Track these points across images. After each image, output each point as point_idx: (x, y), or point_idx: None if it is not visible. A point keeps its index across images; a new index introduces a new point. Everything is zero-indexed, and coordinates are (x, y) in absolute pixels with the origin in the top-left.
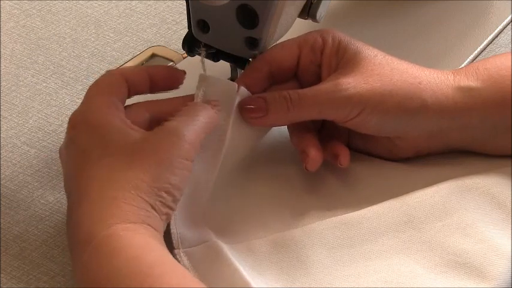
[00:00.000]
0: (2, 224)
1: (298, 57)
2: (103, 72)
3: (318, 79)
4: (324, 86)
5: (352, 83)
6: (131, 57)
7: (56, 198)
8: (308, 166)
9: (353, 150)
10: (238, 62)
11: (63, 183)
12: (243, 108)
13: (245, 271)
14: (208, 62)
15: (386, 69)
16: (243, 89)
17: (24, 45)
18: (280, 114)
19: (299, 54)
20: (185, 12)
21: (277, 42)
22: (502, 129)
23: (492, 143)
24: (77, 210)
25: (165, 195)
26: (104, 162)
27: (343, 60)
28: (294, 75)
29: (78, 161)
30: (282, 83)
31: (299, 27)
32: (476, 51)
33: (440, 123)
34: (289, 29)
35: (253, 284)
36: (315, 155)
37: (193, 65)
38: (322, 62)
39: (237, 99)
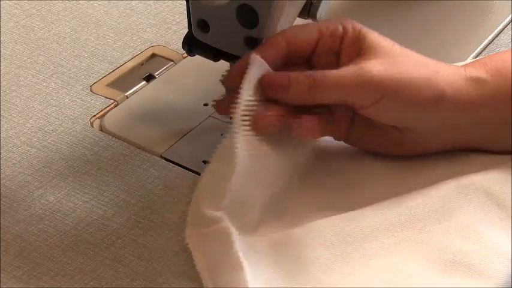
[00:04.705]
0: (2, 224)
1: (317, 42)
2: (103, 72)
3: (332, 67)
4: (347, 68)
5: (375, 67)
6: (131, 57)
7: (56, 198)
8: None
9: (361, 144)
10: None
11: (63, 182)
12: (265, 83)
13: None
14: (208, 62)
15: (405, 58)
16: (259, 59)
17: (24, 45)
18: (302, 92)
19: (318, 39)
20: (185, 12)
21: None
22: (510, 125)
23: (501, 139)
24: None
25: None
26: None
27: (363, 50)
28: (307, 59)
29: None
30: (294, 66)
31: None
32: (476, 51)
33: (455, 115)
34: None
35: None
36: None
37: (193, 65)
38: (342, 50)
39: (253, 70)
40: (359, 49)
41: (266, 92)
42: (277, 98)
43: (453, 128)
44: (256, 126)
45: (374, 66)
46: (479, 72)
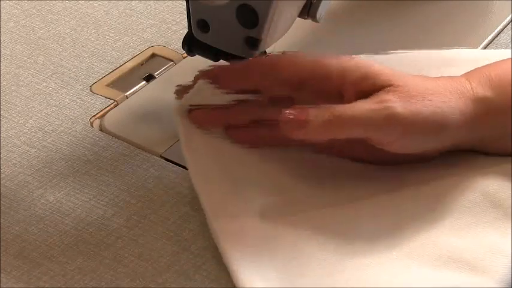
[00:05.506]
0: (2, 224)
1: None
2: (103, 72)
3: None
4: (367, 104)
5: (396, 103)
6: (131, 57)
7: (56, 198)
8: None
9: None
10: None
11: (63, 182)
12: (283, 120)
13: None
14: (208, 62)
15: (421, 88)
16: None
17: (24, 45)
18: (320, 126)
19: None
20: (185, 12)
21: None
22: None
23: (500, 143)
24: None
25: None
26: None
27: (375, 85)
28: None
29: None
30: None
31: (299, 27)
32: None
33: (464, 135)
34: (289, 29)
35: None
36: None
37: (193, 65)
38: (344, 87)
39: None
40: (370, 85)
41: (284, 129)
42: (293, 136)
43: (455, 141)
44: (196, 121)
45: (395, 102)
46: (485, 90)
